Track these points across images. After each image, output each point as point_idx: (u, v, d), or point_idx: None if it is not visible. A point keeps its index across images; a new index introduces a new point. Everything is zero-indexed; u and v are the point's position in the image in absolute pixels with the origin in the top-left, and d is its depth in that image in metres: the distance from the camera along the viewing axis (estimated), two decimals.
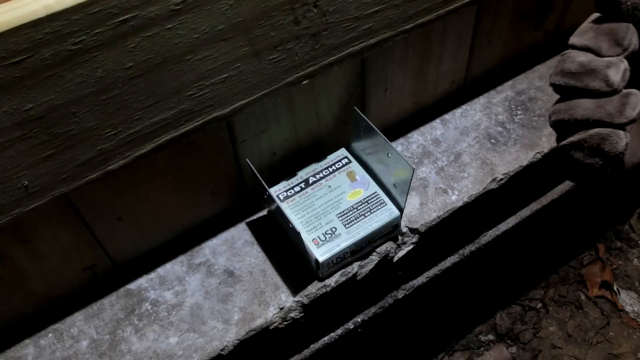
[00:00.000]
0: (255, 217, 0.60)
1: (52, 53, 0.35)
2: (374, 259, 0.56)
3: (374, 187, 0.56)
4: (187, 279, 0.55)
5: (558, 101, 0.44)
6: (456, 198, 0.60)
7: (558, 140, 0.44)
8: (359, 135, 0.56)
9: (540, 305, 0.96)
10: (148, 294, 0.54)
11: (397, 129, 0.66)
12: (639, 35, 0.41)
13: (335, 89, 0.56)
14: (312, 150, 0.60)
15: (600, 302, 0.96)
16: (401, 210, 0.54)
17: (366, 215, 0.54)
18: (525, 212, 0.73)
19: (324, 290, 0.54)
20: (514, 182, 0.64)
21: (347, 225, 0.53)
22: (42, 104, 0.37)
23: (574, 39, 0.43)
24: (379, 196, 0.55)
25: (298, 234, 0.48)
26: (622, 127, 0.40)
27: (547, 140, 0.65)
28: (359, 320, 0.64)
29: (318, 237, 0.52)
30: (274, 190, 0.56)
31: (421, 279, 0.68)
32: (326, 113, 0.58)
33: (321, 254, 0.51)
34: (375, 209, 0.54)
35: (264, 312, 0.53)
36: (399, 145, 0.65)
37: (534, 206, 0.74)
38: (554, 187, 0.76)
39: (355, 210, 0.54)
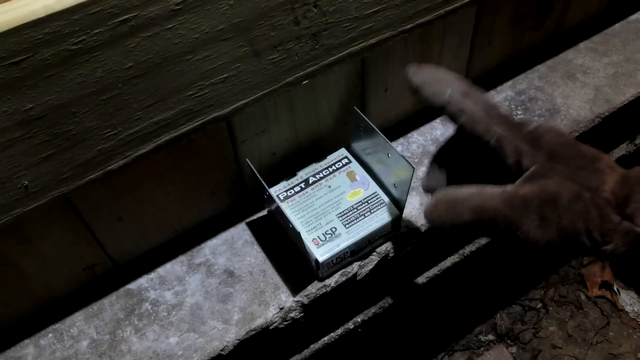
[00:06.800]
0: (255, 217, 0.60)
1: (52, 53, 0.35)
2: (374, 259, 0.56)
3: (374, 187, 0.56)
4: (187, 279, 0.55)
5: None
6: None
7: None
8: (359, 135, 0.56)
9: (540, 305, 0.96)
10: (148, 294, 0.54)
11: (397, 129, 0.66)
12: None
13: (335, 89, 0.56)
14: (312, 150, 0.60)
15: (600, 302, 0.96)
16: (401, 210, 0.54)
17: (366, 215, 0.54)
18: None
19: (324, 290, 0.54)
20: None
21: (347, 225, 0.53)
22: (42, 104, 0.37)
23: None
24: (379, 196, 0.55)
25: (298, 234, 0.48)
26: None
27: None
28: (359, 320, 0.64)
29: (318, 237, 0.52)
30: (274, 190, 0.56)
31: (421, 279, 0.68)
32: (326, 113, 0.58)
33: (321, 254, 0.51)
34: (375, 209, 0.54)
35: (264, 312, 0.53)
36: (399, 145, 0.65)
37: None
38: None
39: (355, 210, 0.54)
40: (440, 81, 0.41)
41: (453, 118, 0.41)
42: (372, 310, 0.64)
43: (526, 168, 0.39)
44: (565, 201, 0.36)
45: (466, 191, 0.39)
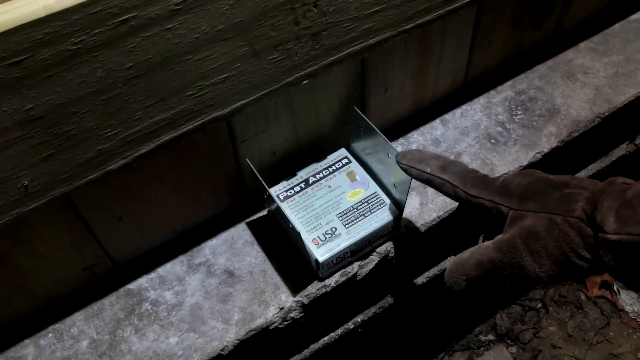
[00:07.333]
0: (255, 217, 0.60)
1: (52, 53, 0.35)
2: (374, 259, 0.56)
3: (374, 187, 0.56)
4: (187, 279, 0.55)
5: None
6: None
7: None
8: (359, 135, 0.56)
9: (540, 305, 0.96)
10: (148, 294, 0.54)
11: (397, 129, 0.66)
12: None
13: (335, 89, 0.56)
14: (312, 150, 0.60)
15: (600, 302, 0.96)
16: (401, 210, 0.54)
17: (366, 215, 0.54)
18: None
19: (324, 290, 0.54)
20: None
21: (347, 225, 0.53)
22: (42, 104, 0.37)
23: None
24: (379, 196, 0.55)
25: (298, 234, 0.48)
26: None
27: (547, 140, 0.65)
28: (359, 320, 0.64)
29: (318, 237, 0.52)
30: (274, 190, 0.56)
31: (421, 279, 0.68)
32: (326, 113, 0.58)
33: (321, 254, 0.51)
34: (375, 209, 0.54)
35: (264, 312, 0.53)
36: (399, 145, 0.65)
37: None
38: None
39: (355, 210, 0.54)
40: (420, 162, 0.46)
41: (438, 190, 0.46)
42: (372, 310, 0.64)
43: (507, 215, 0.42)
44: (542, 231, 0.39)
45: (468, 252, 0.45)
